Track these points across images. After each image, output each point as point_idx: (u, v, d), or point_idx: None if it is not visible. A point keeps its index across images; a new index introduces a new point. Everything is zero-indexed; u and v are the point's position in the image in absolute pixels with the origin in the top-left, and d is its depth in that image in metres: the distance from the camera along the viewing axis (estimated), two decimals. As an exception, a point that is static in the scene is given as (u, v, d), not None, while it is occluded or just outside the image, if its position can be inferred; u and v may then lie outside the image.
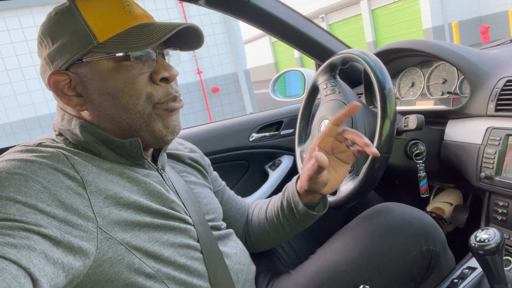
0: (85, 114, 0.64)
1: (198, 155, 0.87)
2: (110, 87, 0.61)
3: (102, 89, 0.61)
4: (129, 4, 0.64)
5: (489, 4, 11.39)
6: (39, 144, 0.61)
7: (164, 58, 0.66)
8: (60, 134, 0.65)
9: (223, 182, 0.95)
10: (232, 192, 0.96)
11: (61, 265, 0.48)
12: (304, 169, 0.74)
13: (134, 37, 0.60)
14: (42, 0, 5.46)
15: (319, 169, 0.69)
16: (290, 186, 0.84)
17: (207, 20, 6.82)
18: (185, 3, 6.46)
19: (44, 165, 0.54)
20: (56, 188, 0.53)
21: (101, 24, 0.60)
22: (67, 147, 0.61)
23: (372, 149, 0.68)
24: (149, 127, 0.65)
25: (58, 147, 0.60)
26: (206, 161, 0.90)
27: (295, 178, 0.83)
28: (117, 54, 0.60)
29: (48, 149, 0.58)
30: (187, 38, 0.67)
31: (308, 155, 0.76)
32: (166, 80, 0.65)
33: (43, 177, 0.53)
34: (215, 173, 0.93)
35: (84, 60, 0.60)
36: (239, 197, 0.97)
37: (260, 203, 0.96)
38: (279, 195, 0.88)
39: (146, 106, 0.63)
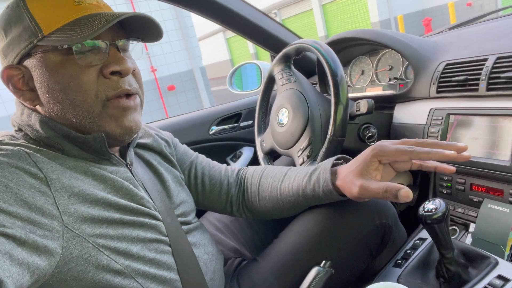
0: (39, 109, 0.62)
1: (162, 141, 0.85)
2: (57, 81, 0.59)
3: (49, 84, 0.59)
4: None
5: (431, -2, 12.06)
6: None
7: (120, 51, 0.63)
8: (19, 130, 0.63)
9: (195, 153, 0.93)
10: (206, 161, 0.93)
11: (26, 266, 0.47)
12: (371, 191, 0.68)
13: (76, 28, 0.57)
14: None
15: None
16: (323, 174, 0.77)
17: (158, 16, 6.67)
18: None
19: (5, 164, 0.52)
20: (19, 187, 0.51)
21: (47, 16, 0.58)
22: (28, 144, 0.59)
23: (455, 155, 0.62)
24: (101, 128, 0.62)
25: (19, 145, 0.58)
26: (171, 140, 0.88)
27: (328, 168, 0.76)
28: (59, 47, 0.58)
29: (8, 147, 0.56)
30: (146, 29, 0.65)
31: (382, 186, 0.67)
32: (118, 74, 0.61)
33: (4, 177, 0.51)
34: (183, 147, 0.92)
35: (32, 54, 0.59)
36: (216, 166, 0.94)
37: (266, 173, 0.91)
38: (301, 176, 0.82)
39: (95, 104, 0.60)
